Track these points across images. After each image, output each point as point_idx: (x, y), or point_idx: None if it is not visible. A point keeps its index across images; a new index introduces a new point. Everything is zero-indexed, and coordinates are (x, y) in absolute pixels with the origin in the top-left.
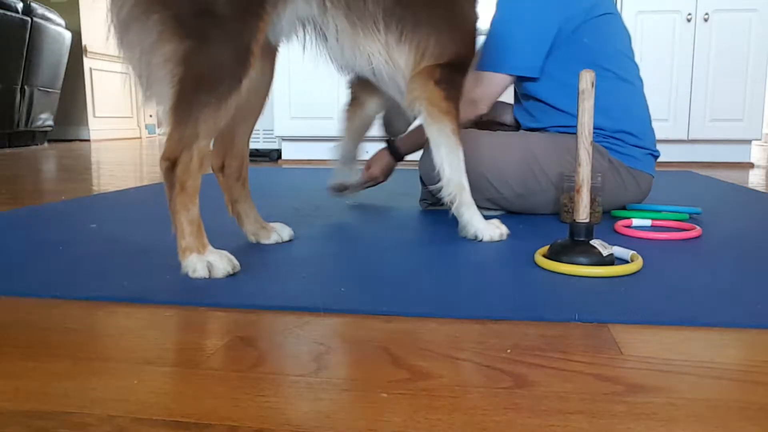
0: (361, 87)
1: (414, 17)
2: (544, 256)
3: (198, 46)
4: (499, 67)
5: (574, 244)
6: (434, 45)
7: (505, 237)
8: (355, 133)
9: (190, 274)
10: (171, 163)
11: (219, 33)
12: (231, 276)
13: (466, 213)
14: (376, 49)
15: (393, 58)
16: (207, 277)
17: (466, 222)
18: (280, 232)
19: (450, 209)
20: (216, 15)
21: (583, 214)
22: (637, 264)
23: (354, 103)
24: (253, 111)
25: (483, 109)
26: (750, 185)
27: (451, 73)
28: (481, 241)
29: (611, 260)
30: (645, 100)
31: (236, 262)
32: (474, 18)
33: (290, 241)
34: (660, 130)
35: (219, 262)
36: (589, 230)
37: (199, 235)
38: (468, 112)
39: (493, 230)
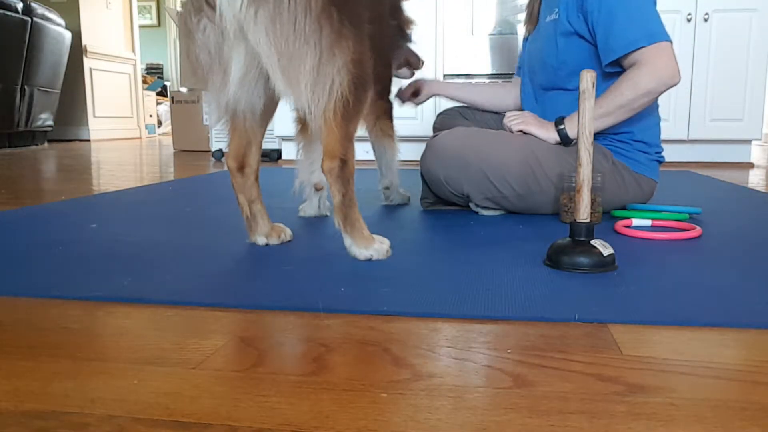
0: None
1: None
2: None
3: (369, 54)
4: (659, 36)
5: (575, 244)
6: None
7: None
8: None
9: (376, 257)
10: (342, 161)
11: (382, 47)
12: (242, 279)
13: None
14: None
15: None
16: (386, 256)
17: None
18: (285, 232)
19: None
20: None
21: (583, 214)
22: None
23: (302, 125)
24: (270, 113)
25: (678, 78)
26: (750, 185)
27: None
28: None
29: (612, 260)
30: (657, 108)
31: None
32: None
33: (290, 241)
34: (660, 130)
35: (386, 241)
36: (589, 230)
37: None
38: (668, 82)
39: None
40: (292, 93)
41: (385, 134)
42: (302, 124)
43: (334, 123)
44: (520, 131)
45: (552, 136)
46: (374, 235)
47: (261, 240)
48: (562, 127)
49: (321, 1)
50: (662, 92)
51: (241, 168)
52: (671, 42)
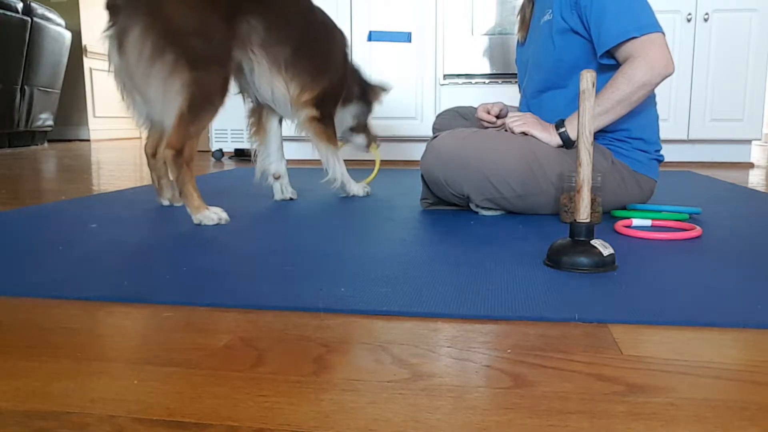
0: (259, 113)
1: (301, 64)
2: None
3: (205, 74)
4: (650, 28)
5: (575, 244)
6: (311, 82)
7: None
8: (271, 149)
9: (206, 222)
10: (177, 151)
11: (216, 66)
12: (232, 275)
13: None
14: (280, 83)
15: (289, 90)
16: (217, 223)
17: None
18: (220, 215)
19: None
20: (213, 56)
21: (583, 214)
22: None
23: (257, 128)
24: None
25: (672, 68)
26: (750, 185)
27: (324, 101)
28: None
29: (612, 260)
30: (655, 105)
31: (226, 215)
32: (342, 65)
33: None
34: (660, 130)
35: (222, 213)
36: (589, 230)
37: (202, 199)
38: (662, 73)
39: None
40: (152, 108)
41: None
42: (257, 126)
43: (177, 126)
44: (522, 133)
45: (554, 139)
46: (212, 207)
47: (165, 202)
48: (563, 129)
49: (149, 48)
50: (658, 83)
51: (154, 155)
52: (663, 33)
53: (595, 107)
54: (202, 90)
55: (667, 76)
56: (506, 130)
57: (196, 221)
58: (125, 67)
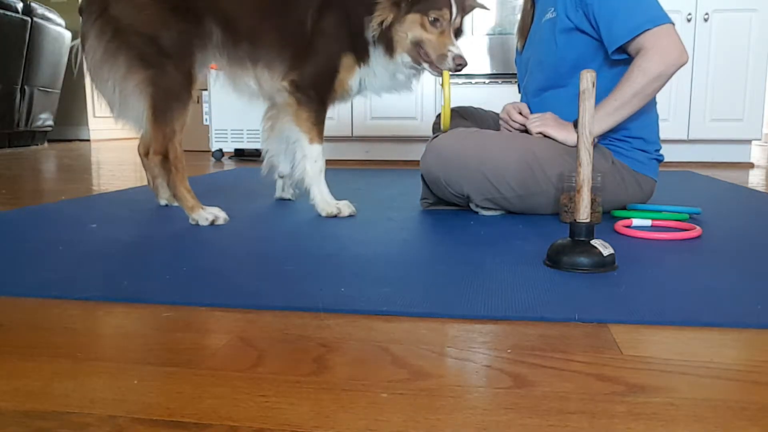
0: (276, 112)
1: (267, 54)
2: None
3: (161, 71)
4: (661, 19)
5: (575, 244)
6: (283, 67)
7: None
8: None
9: (201, 223)
10: (163, 156)
11: (172, 62)
12: (230, 275)
13: (312, 188)
14: (251, 77)
15: (262, 81)
16: (213, 222)
17: (313, 195)
18: (218, 214)
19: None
20: (167, 52)
21: (583, 214)
22: None
23: (271, 124)
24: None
25: (686, 57)
26: (750, 185)
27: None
28: (319, 215)
29: (612, 260)
30: (655, 105)
31: (225, 215)
32: (329, 42)
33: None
34: (660, 130)
35: (220, 213)
36: (589, 230)
37: (196, 198)
38: (677, 63)
39: (328, 207)
40: (114, 110)
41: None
42: (272, 123)
43: (153, 131)
44: (540, 133)
45: (572, 138)
46: (210, 207)
47: (163, 201)
48: None
49: (102, 51)
50: (673, 73)
51: (147, 155)
52: (673, 24)
53: (612, 101)
54: (160, 88)
55: (681, 66)
56: (524, 130)
57: (192, 222)
58: (89, 71)
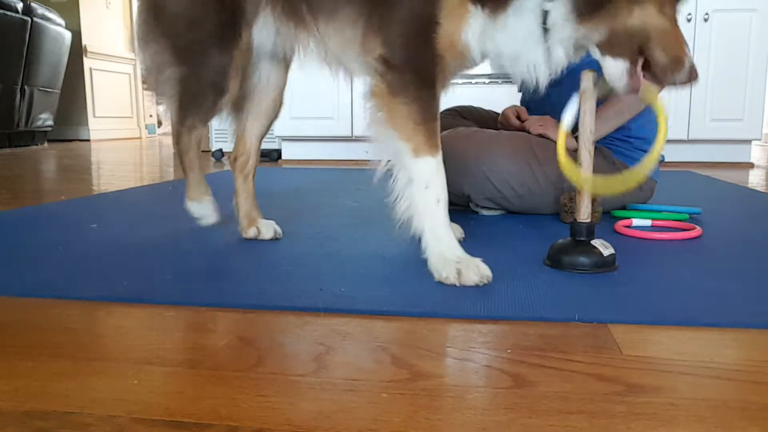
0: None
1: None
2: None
3: (190, 72)
4: None
5: (575, 244)
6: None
7: None
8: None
9: (192, 214)
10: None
11: (205, 60)
12: (229, 277)
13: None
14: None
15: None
16: (199, 218)
17: (425, 243)
18: (262, 228)
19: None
20: (203, 46)
21: (584, 214)
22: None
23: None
24: (264, 113)
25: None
26: (750, 185)
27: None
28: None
29: (612, 260)
30: None
31: (215, 214)
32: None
33: (275, 239)
34: None
35: (208, 211)
36: (590, 230)
37: (198, 190)
38: None
39: (446, 267)
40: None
41: None
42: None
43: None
44: (540, 135)
45: (571, 141)
46: (203, 200)
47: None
48: None
49: (143, 30)
50: None
51: (235, 162)
52: None
53: (611, 107)
54: (191, 89)
55: None
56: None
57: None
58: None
